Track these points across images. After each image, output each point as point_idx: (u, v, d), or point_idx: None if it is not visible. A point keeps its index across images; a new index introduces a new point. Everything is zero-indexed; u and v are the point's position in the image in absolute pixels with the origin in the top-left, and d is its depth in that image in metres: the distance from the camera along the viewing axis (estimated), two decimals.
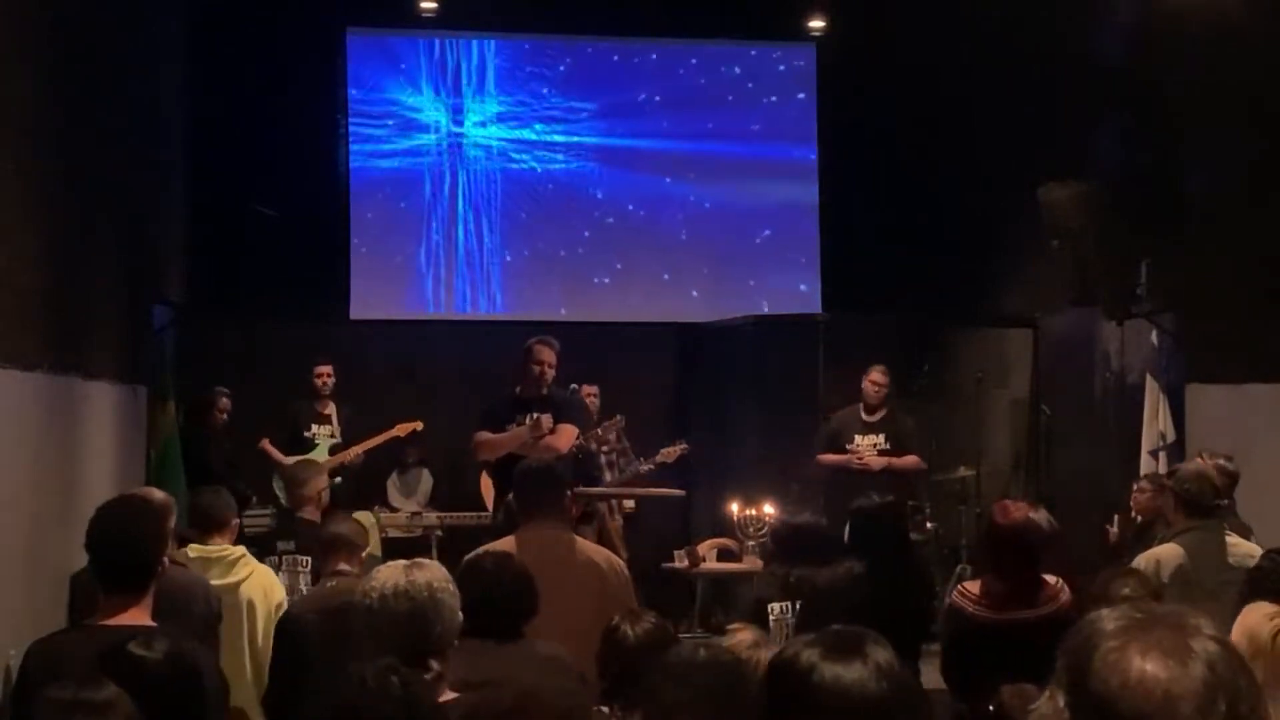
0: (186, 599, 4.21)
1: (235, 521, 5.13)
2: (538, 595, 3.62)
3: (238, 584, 4.88)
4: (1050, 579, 4.44)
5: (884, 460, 8.26)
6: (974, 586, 4.50)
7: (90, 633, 3.25)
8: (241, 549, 5.02)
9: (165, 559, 3.44)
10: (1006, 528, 4.40)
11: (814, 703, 1.88)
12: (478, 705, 3.12)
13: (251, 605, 4.84)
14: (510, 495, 5.25)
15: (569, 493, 5.00)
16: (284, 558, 5.42)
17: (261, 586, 4.90)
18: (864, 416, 8.44)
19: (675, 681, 2.63)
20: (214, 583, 4.75)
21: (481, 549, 4.30)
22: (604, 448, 9.08)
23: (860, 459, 8.27)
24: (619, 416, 9.24)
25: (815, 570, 5.02)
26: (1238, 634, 3.82)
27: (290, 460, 8.36)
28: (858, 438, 8.36)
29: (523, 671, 3.37)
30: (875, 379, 8.39)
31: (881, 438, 8.33)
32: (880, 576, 4.93)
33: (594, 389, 9.29)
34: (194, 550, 4.93)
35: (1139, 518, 6.49)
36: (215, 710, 3.22)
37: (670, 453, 9.10)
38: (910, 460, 8.33)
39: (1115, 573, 4.65)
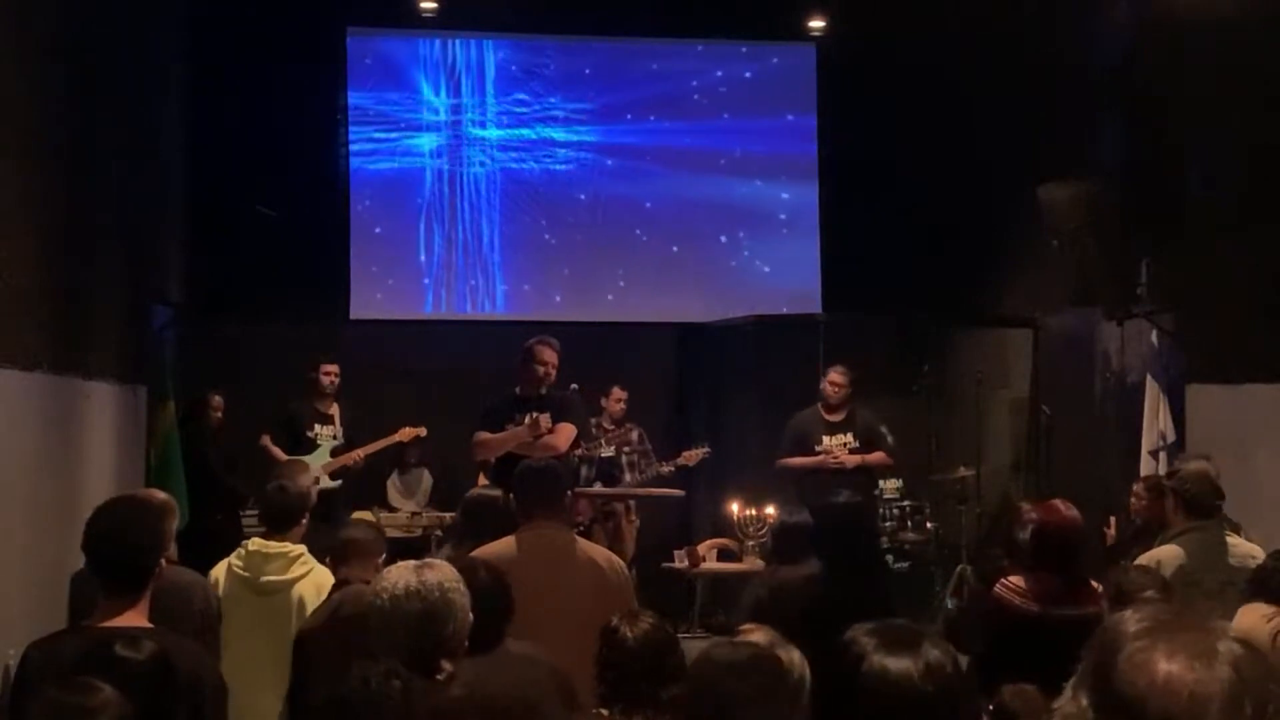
0: (186, 599, 4.20)
1: (304, 523, 5.11)
2: (511, 599, 3.58)
3: (292, 581, 4.86)
4: (1090, 581, 4.46)
5: (857, 458, 8.28)
6: (1020, 581, 4.49)
7: (88, 634, 3.25)
8: (301, 548, 5.00)
9: (163, 559, 3.43)
10: (1055, 526, 4.43)
11: (861, 689, 1.95)
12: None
13: (302, 603, 4.81)
14: (472, 493, 5.27)
15: (569, 492, 5.01)
16: None
17: (315, 586, 4.87)
18: (826, 417, 8.40)
19: (733, 676, 2.63)
20: (268, 578, 4.80)
21: (475, 551, 4.29)
22: (625, 448, 9.13)
23: (835, 458, 8.27)
24: (629, 424, 9.27)
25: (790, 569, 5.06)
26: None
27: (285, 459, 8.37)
28: (825, 438, 8.33)
29: (498, 673, 3.34)
30: (835, 380, 8.39)
31: (849, 436, 8.33)
32: (843, 575, 4.94)
33: (623, 394, 9.29)
34: (254, 543, 4.94)
35: (1138, 520, 6.48)
36: (214, 710, 3.22)
37: (692, 456, 9.12)
38: (878, 456, 8.35)
39: (1127, 568, 4.66)
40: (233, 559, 4.95)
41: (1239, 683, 1.34)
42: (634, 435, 9.26)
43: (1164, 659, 1.36)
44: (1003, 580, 4.59)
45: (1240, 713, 1.33)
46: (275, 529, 5.00)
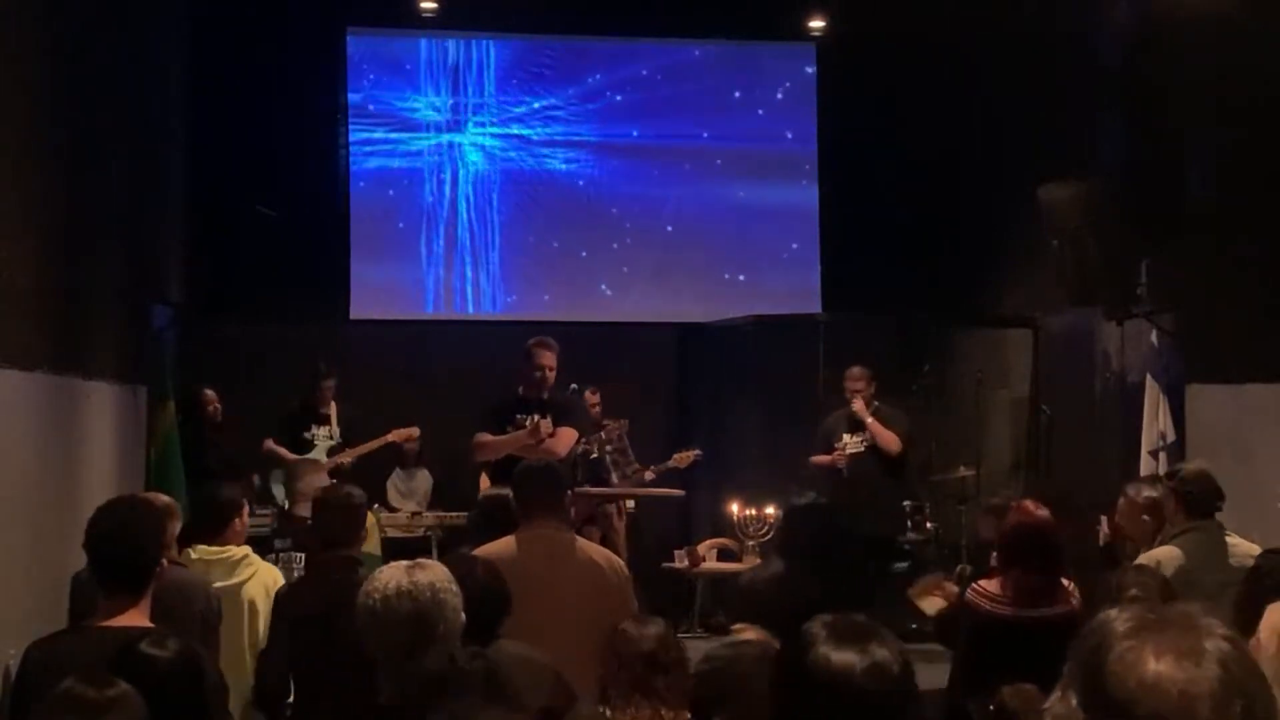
0: (186, 599, 4.20)
1: (236, 521, 5.09)
2: (509, 598, 3.58)
3: (240, 585, 4.86)
4: (1064, 580, 4.47)
5: (845, 457, 8.41)
6: (991, 585, 4.50)
7: (88, 634, 3.25)
8: (246, 549, 4.99)
9: (164, 560, 3.43)
10: (1031, 525, 4.44)
11: (808, 680, 1.95)
12: None
13: (253, 605, 4.82)
14: (489, 492, 5.27)
15: (569, 493, 5.01)
16: (280, 555, 5.41)
17: (264, 586, 4.88)
18: (853, 416, 8.51)
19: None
20: (217, 584, 4.74)
21: (475, 550, 4.29)
22: (607, 448, 9.11)
23: (843, 457, 8.39)
24: (624, 421, 9.24)
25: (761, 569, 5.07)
26: (1266, 634, 3.76)
27: (294, 459, 8.39)
28: (845, 436, 8.46)
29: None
30: (850, 387, 8.52)
31: (866, 434, 8.40)
32: (809, 576, 4.94)
33: (595, 396, 9.24)
34: (196, 552, 4.90)
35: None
36: (217, 710, 3.22)
37: (684, 458, 9.12)
38: (890, 436, 8.38)
39: (1126, 568, 4.66)
40: None
41: (1229, 681, 1.34)
42: (614, 434, 9.23)
43: (1153, 659, 1.36)
44: (973, 585, 4.62)
45: (1230, 710, 1.33)
46: (211, 534, 4.96)
